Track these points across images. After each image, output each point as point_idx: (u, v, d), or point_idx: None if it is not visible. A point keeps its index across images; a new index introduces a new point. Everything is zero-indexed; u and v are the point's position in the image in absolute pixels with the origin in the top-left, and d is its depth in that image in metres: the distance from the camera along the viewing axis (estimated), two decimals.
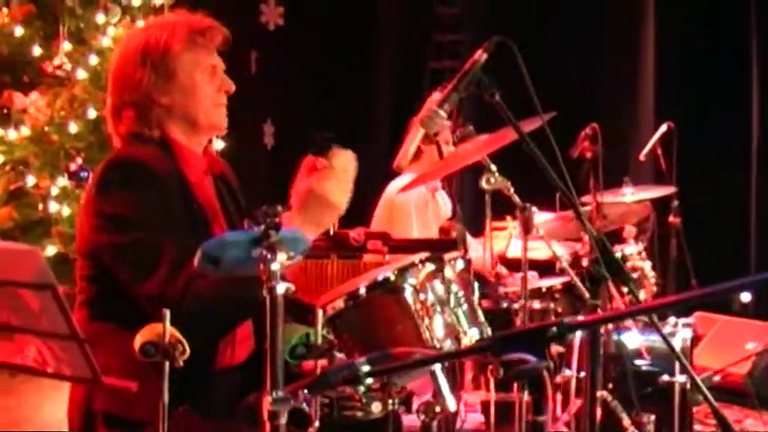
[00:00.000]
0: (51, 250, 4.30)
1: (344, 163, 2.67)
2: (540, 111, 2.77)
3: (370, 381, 2.17)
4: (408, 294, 2.60)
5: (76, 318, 2.78)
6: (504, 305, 4.99)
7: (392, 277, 2.61)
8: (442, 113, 2.78)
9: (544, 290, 5.24)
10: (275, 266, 2.15)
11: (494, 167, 3.27)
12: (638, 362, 4.77)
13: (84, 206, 2.80)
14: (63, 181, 4.33)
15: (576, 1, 7.49)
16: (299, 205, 2.65)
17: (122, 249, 2.63)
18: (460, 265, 2.77)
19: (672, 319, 4.89)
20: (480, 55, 2.79)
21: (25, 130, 4.36)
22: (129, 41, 2.88)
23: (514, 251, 5.09)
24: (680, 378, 4.61)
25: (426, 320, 2.60)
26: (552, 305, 5.15)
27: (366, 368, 2.17)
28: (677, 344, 4.80)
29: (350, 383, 2.18)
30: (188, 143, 2.85)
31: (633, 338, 4.76)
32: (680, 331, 4.85)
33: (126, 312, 2.59)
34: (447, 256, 2.74)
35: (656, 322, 2.83)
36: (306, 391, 2.18)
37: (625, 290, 5.16)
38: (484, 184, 3.26)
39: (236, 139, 6.61)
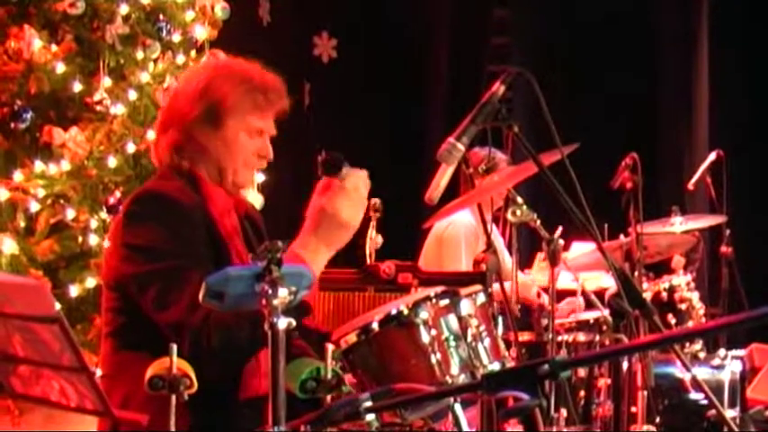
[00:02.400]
0: (91, 282, 4.35)
1: (356, 182, 2.69)
2: (559, 144, 2.75)
3: (372, 417, 2.17)
4: (421, 329, 2.58)
5: (103, 350, 2.84)
6: (548, 337, 4.93)
7: (405, 311, 2.60)
8: (460, 146, 2.77)
9: (591, 321, 5.16)
10: (276, 302, 2.15)
11: (520, 200, 3.24)
12: (692, 396, 4.68)
13: (112, 238, 2.85)
14: (102, 214, 4.38)
15: (628, 29, 7.42)
16: (312, 225, 2.67)
17: (147, 278, 2.66)
18: (482, 298, 2.74)
19: (722, 352, 4.80)
20: (498, 87, 2.78)
21: (65, 165, 4.41)
22: (193, 77, 2.93)
23: (563, 283, 5.03)
24: (730, 412, 4.52)
25: (439, 355, 2.57)
26: (598, 337, 5.07)
27: (368, 404, 2.16)
28: (726, 377, 4.71)
29: (352, 419, 2.17)
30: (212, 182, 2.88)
31: (680, 371, 4.67)
32: (729, 364, 4.74)
33: (151, 342, 2.59)
34: (466, 290, 2.71)
35: (679, 353, 2.78)
36: (308, 426, 2.18)
37: (673, 321, 5.11)
38: (510, 216, 3.24)
39: (290, 171, 6.69)
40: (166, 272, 2.63)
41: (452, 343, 2.60)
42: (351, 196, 2.67)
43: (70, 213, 4.40)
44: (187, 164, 2.84)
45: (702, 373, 4.69)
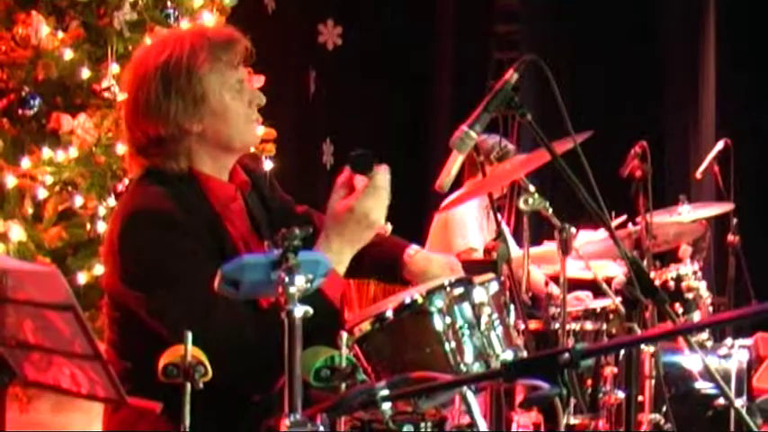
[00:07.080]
0: (99, 270, 4.33)
1: (386, 181, 2.65)
2: (572, 131, 2.74)
3: (388, 405, 2.16)
4: (436, 317, 2.58)
5: (105, 352, 2.77)
6: (555, 326, 4.92)
7: (420, 300, 2.59)
8: (473, 134, 2.77)
9: (598, 310, 5.15)
10: (293, 289, 2.13)
11: (532, 188, 3.24)
12: (698, 384, 4.67)
13: (108, 251, 2.68)
14: (110, 202, 4.38)
15: (634, 16, 7.41)
16: (337, 224, 2.61)
17: (158, 310, 2.57)
18: (494, 287, 2.74)
19: (728, 341, 4.79)
20: (511, 74, 2.78)
21: (73, 152, 4.39)
22: (144, 66, 2.68)
23: (572, 271, 5.02)
24: (737, 402, 4.51)
25: (453, 344, 2.57)
26: (605, 326, 5.06)
27: (385, 392, 2.16)
28: (733, 366, 4.70)
29: (368, 408, 2.17)
30: (215, 170, 2.74)
31: (687, 360, 4.67)
32: (736, 353, 4.74)
33: (149, 359, 2.44)
34: (479, 279, 2.71)
35: (692, 342, 2.78)
36: (324, 414, 2.18)
37: (681, 310, 5.10)
38: (522, 205, 3.23)
39: (295, 159, 6.68)
40: (177, 302, 2.53)
41: (466, 331, 2.60)
42: (381, 196, 2.62)
43: (78, 200, 4.39)
44: (185, 163, 2.69)
45: (709, 362, 4.68)
